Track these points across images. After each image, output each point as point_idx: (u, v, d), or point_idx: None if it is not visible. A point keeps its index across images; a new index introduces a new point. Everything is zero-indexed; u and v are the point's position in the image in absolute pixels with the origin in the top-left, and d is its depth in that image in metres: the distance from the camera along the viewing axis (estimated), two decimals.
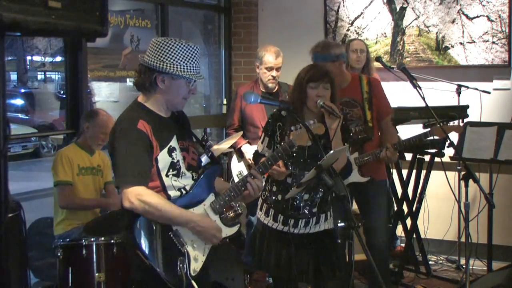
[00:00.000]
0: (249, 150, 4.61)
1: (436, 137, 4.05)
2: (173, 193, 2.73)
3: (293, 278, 3.34)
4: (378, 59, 4.99)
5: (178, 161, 2.75)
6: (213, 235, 2.74)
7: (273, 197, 3.32)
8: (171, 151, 2.73)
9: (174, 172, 2.73)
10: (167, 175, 2.71)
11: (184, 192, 2.76)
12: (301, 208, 3.26)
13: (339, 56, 3.82)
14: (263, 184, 2.96)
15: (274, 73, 4.68)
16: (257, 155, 3.40)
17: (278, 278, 3.42)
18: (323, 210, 3.32)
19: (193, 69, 2.71)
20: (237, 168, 4.73)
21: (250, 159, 4.59)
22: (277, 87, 4.75)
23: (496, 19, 5.26)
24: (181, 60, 2.67)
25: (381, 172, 4.05)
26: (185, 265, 2.64)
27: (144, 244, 2.63)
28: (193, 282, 2.65)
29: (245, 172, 4.66)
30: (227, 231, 2.87)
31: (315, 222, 3.30)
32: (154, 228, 2.64)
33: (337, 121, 3.16)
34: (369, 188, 3.94)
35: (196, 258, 2.72)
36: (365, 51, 4.97)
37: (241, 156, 4.74)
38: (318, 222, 3.31)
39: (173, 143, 2.76)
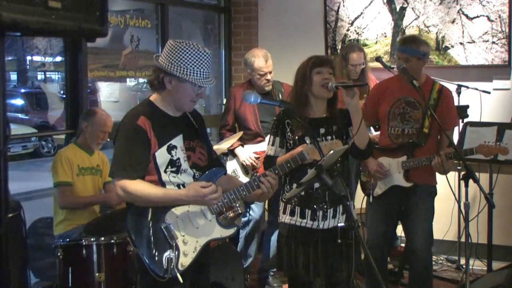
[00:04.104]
0: (241, 153, 4.62)
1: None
2: (171, 188, 2.76)
3: (316, 278, 3.27)
4: (378, 59, 4.96)
5: (178, 159, 2.78)
6: (210, 199, 2.68)
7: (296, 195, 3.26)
8: (170, 149, 2.77)
9: (173, 169, 2.77)
10: (165, 171, 2.76)
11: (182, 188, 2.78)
12: (327, 196, 3.21)
13: (426, 55, 3.86)
14: (277, 185, 2.89)
15: (268, 76, 4.62)
16: (269, 158, 3.30)
17: (300, 280, 3.32)
18: None
19: (199, 74, 2.71)
20: (231, 166, 4.71)
21: (244, 161, 4.61)
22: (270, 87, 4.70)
23: (496, 19, 5.25)
24: (188, 64, 2.69)
25: (428, 177, 3.92)
26: (173, 258, 2.66)
27: (133, 231, 2.70)
28: (178, 275, 2.67)
29: (239, 171, 4.66)
30: (222, 232, 2.87)
31: (342, 211, 3.25)
32: (145, 217, 2.69)
33: (356, 96, 3.14)
34: (412, 192, 3.86)
35: (186, 253, 2.73)
36: (363, 63, 4.92)
37: (233, 155, 4.72)
38: (344, 211, 3.25)
39: (176, 141, 2.79)
